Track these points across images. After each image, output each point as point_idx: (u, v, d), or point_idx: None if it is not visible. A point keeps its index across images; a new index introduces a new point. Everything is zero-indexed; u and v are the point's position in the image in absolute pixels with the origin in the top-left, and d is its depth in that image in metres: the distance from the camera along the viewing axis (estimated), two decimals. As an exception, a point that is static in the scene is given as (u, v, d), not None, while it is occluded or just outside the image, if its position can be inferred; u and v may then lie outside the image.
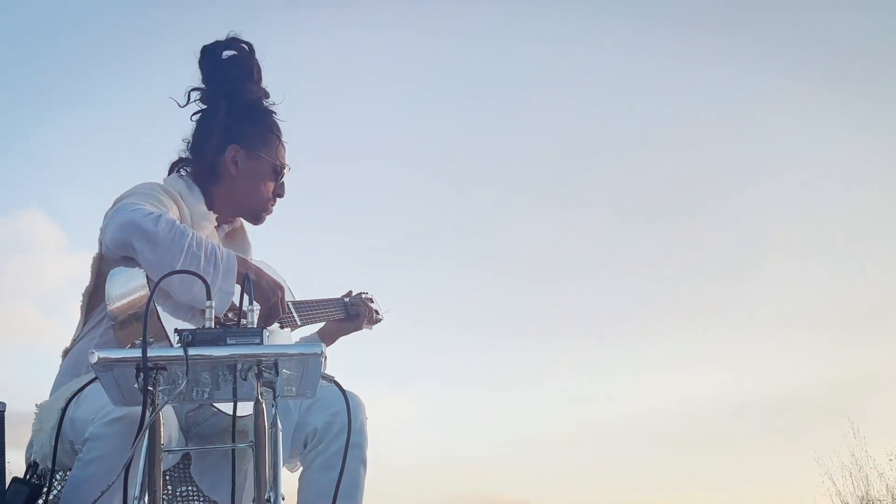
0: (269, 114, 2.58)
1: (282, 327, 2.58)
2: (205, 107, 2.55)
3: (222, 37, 2.54)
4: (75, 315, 2.37)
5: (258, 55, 2.57)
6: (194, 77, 2.56)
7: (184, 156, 2.56)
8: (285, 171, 2.58)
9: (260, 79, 2.56)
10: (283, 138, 2.60)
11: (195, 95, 2.55)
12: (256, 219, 2.60)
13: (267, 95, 2.58)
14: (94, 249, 2.30)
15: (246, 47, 2.54)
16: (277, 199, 2.60)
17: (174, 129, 2.60)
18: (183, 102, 2.54)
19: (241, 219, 2.63)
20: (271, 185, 2.56)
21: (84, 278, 2.34)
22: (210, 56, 2.53)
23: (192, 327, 1.62)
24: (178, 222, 2.15)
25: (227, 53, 2.53)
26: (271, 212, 2.60)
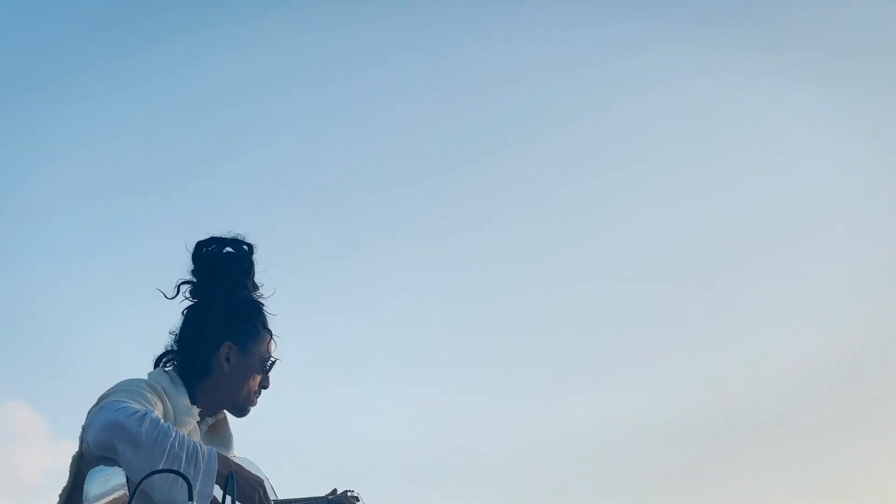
0: (260, 307, 2.58)
1: (263, 528, 2.50)
2: (196, 300, 2.56)
3: (224, 233, 2.57)
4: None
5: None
6: (177, 260, 2.58)
7: (170, 348, 2.55)
8: (272, 363, 2.56)
9: (254, 274, 2.58)
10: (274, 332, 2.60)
11: (184, 288, 2.54)
12: (241, 412, 2.57)
13: (257, 288, 2.60)
14: (76, 436, 2.25)
15: (246, 248, 2.57)
16: (263, 390, 2.56)
17: (157, 318, 2.60)
18: (171, 294, 2.53)
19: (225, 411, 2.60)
20: (258, 378, 2.54)
21: (64, 471, 2.28)
22: (207, 251, 2.56)
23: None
24: (162, 421, 2.12)
25: (226, 250, 2.56)
26: (256, 404, 2.57)
